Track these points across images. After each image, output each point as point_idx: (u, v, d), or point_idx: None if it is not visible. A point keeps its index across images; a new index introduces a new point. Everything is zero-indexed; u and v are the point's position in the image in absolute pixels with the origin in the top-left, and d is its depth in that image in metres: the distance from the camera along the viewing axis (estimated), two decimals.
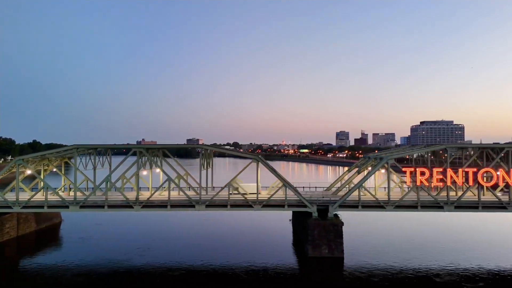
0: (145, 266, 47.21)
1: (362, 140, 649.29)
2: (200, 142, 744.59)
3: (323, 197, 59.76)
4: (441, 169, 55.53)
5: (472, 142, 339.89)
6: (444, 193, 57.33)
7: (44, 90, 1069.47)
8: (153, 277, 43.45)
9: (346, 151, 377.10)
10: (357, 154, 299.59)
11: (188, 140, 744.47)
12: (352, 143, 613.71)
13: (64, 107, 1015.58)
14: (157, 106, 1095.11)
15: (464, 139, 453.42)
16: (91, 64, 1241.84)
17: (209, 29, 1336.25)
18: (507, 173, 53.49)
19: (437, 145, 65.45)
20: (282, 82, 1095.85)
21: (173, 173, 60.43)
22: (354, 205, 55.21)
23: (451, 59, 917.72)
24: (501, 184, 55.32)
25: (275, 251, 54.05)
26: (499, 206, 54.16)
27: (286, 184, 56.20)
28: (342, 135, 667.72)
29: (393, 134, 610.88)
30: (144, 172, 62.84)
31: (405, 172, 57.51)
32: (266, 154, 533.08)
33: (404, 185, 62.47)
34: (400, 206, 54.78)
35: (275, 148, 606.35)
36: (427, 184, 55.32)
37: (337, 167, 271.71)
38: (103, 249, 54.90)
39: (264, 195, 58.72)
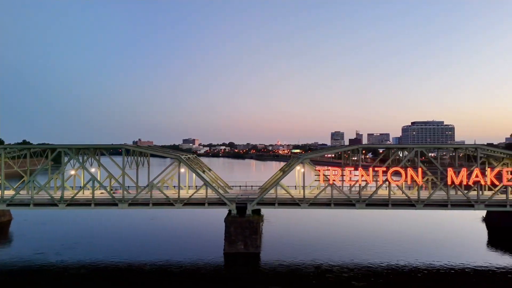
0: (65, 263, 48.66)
1: (356, 140, 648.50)
2: (196, 142, 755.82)
3: (241, 195, 62.11)
4: (352, 168, 57.86)
5: (465, 143, 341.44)
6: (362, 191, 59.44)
7: (35, 89, 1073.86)
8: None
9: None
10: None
11: (184, 140, 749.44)
12: (347, 143, 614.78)
13: (56, 106, 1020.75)
14: (153, 106, 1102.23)
15: (454, 140, 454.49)
16: (85, 63, 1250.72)
17: (204, 29, 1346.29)
18: (416, 172, 55.84)
19: (351, 146, 69.16)
20: (278, 82, 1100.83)
21: (111, 172, 61.73)
22: (271, 203, 57.38)
23: (447, 59, 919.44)
24: (409, 183, 58.06)
25: (197, 248, 55.80)
26: (408, 204, 56.56)
27: (207, 183, 58.38)
28: (337, 135, 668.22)
29: (387, 135, 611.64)
30: (72, 172, 64.72)
31: (325, 170, 60.35)
32: (259, 154, 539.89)
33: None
34: (315, 203, 57.00)
35: (270, 148, 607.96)
36: (339, 183, 57.62)
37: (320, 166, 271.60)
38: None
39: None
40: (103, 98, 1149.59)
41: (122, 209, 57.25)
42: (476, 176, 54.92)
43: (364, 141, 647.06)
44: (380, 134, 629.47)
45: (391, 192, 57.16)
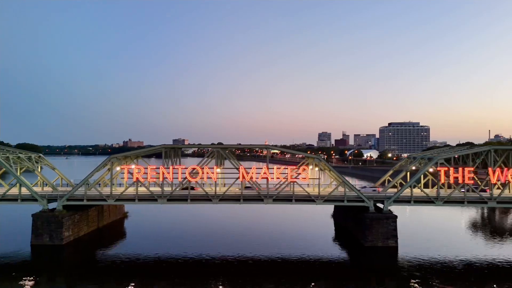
0: None
1: (342, 141, 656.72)
2: (186, 143, 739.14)
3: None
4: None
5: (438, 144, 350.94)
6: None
7: (32, 91, 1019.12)
8: None
9: (311, 152, 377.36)
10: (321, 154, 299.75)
11: (174, 140, 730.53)
12: (333, 143, 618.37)
13: (52, 107, 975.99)
14: (144, 107, 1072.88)
15: (429, 140, 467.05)
16: (80, 63, 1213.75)
17: (198, 30, 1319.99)
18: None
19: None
20: (271, 83, 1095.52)
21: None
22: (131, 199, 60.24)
23: (438, 63, 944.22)
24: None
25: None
26: (309, 199, 59.22)
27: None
28: (323, 136, 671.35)
29: (374, 135, 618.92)
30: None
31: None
32: (238, 154, 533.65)
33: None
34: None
35: (257, 148, 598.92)
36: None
37: (278, 165, 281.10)
38: None
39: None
40: (94, 99, 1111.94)
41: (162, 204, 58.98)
42: None
43: (351, 141, 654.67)
44: (366, 134, 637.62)
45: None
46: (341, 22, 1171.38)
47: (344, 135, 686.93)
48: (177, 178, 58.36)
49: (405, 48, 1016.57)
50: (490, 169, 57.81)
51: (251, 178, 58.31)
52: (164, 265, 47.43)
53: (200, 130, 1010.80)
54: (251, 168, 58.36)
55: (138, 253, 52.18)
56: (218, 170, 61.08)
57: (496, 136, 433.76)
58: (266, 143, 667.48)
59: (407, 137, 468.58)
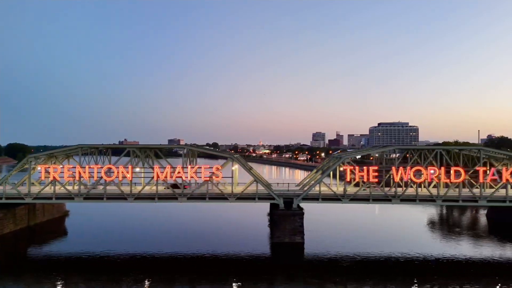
0: None
1: (335, 141, 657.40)
2: (181, 143, 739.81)
3: None
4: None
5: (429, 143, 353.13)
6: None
7: (32, 91, 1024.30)
8: None
9: (298, 151, 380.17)
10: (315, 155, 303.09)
11: (169, 140, 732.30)
12: (327, 143, 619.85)
13: (50, 107, 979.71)
14: (139, 106, 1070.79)
15: (418, 140, 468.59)
16: (81, 63, 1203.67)
17: (198, 32, 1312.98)
18: None
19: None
20: (270, 83, 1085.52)
21: None
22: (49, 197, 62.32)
23: (438, 63, 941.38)
24: None
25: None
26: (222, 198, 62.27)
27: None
28: (317, 136, 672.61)
29: (367, 135, 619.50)
30: (137, 169, 65.61)
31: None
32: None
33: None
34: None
35: (251, 148, 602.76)
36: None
37: (263, 165, 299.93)
38: None
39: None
40: (93, 99, 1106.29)
41: (181, 203, 62.06)
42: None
43: (345, 142, 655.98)
44: (360, 135, 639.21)
45: None
46: (341, 23, 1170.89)
47: (338, 135, 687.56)
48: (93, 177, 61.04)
49: (405, 48, 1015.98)
50: (393, 168, 60.45)
51: (165, 177, 60.90)
52: (100, 262, 49.56)
53: (199, 130, 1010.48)
54: (165, 168, 60.90)
55: (70, 250, 54.47)
56: (137, 169, 63.82)
57: (489, 136, 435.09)
58: (261, 143, 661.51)
59: (396, 137, 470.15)
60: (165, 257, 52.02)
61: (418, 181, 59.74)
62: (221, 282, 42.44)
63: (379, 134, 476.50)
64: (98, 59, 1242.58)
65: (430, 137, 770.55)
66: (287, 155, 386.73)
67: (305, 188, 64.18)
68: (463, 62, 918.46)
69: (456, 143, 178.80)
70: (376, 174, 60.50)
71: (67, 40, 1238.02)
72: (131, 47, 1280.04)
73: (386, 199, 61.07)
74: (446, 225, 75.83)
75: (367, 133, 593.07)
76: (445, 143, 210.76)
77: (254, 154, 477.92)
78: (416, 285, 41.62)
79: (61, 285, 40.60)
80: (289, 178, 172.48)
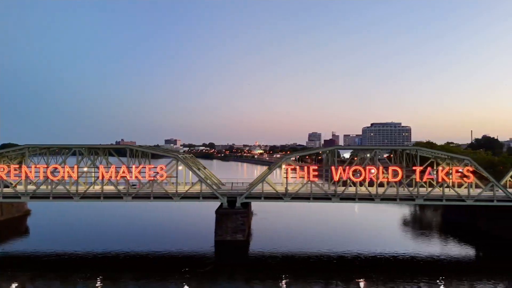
0: None
1: (331, 141, 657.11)
2: (178, 143, 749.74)
3: None
4: None
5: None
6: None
7: (33, 91, 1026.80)
8: None
9: (290, 152, 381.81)
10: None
11: (166, 140, 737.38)
12: (323, 143, 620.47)
13: (50, 107, 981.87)
14: (136, 106, 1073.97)
15: (410, 141, 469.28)
16: (80, 63, 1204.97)
17: (199, 33, 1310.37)
18: None
19: None
20: (270, 84, 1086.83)
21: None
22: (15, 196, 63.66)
23: (438, 63, 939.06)
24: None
25: None
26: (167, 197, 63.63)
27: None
28: (313, 136, 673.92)
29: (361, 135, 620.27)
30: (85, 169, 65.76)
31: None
32: (223, 155, 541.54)
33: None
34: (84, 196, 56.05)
35: (246, 149, 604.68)
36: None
37: (255, 165, 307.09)
38: None
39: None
40: (87, 98, 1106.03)
41: (127, 202, 63.02)
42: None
43: (340, 142, 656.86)
44: (356, 135, 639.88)
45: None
46: (341, 24, 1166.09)
47: (333, 135, 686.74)
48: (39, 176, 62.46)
49: (404, 48, 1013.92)
50: (332, 168, 61.73)
51: (110, 177, 62.24)
52: (48, 261, 50.37)
53: (197, 130, 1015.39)
54: (109, 168, 62.28)
55: (24, 248, 56.06)
56: (85, 169, 65.15)
57: (483, 136, 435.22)
58: (256, 144, 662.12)
59: (388, 137, 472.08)
60: (112, 256, 53.07)
61: (356, 180, 60.96)
62: (163, 280, 43.31)
63: (371, 134, 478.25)
64: (96, 59, 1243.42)
65: (425, 137, 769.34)
66: (278, 155, 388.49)
67: (249, 188, 65.47)
68: (463, 62, 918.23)
69: (429, 143, 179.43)
70: (316, 173, 61.80)
71: (65, 40, 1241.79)
72: (130, 47, 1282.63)
73: (326, 197, 62.38)
74: (402, 225, 76.85)
75: (361, 133, 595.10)
76: (428, 143, 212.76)
77: (246, 155, 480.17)
78: (357, 280, 42.84)
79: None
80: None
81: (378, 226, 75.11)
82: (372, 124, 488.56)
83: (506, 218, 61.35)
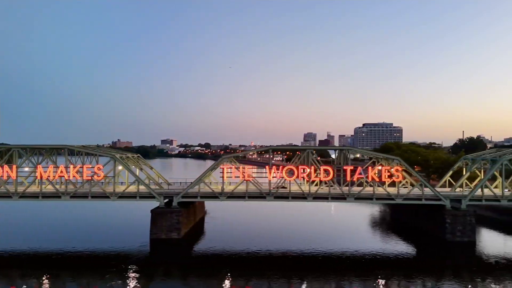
0: None
1: (326, 141, 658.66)
2: (174, 143, 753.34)
3: None
4: None
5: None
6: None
7: (23, 89, 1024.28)
8: None
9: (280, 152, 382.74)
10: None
11: (162, 140, 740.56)
12: (318, 144, 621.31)
13: (42, 106, 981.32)
14: (133, 106, 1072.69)
15: (402, 141, 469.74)
16: (74, 63, 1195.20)
17: (195, 31, 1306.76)
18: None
19: None
20: (270, 83, 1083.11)
21: None
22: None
23: (438, 63, 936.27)
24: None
25: None
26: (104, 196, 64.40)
27: None
28: (308, 137, 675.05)
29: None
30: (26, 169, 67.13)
31: None
32: (216, 154, 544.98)
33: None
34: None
35: (241, 149, 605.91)
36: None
37: (246, 165, 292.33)
38: None
39: None
40: (81, 98, 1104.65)
41: (65, 201, 63.95)
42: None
43: (335, 142, 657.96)
44: (351, 135, 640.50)
45: None
46: (337, 23, 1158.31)
47: (329, 135, 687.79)
48: None
49: (403, 48, 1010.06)
50: (267, 167, 62.77)
51: (48, 176, 63.26)
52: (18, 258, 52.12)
53: (194, 130, 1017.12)
54: (48, 167, 63.26)
55: None
56: (26, 169, 66.22)
57: (478, 136, 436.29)
58: (252, 144, 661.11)
59: (380, 138, 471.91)
60: (49, 254, 53.95)
61: (289, 179, 62.06)
62: (99, 277, 44.04)
63: (363, 134, 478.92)
64: (92, 59, 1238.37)
65: (419, 137, 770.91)
66: (266, 156, 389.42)
67: (185, 187, 66.54)
68: (463, 62, 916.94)
69: (412, 144, 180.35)
70: (252, 172, 63.00)
71: (59, 39, 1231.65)
72: (125, 46, 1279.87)
73: (261, 196, 63.47)
74: (355, 223, 78.11)
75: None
76: (411, 144, 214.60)
77: (238, 155, 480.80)
78: (296, 278, 43.98)
79: None
80: None
81: (327, 225, 76.32)
82: (364, 125, 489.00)
83: (438, 218, 62.32)
